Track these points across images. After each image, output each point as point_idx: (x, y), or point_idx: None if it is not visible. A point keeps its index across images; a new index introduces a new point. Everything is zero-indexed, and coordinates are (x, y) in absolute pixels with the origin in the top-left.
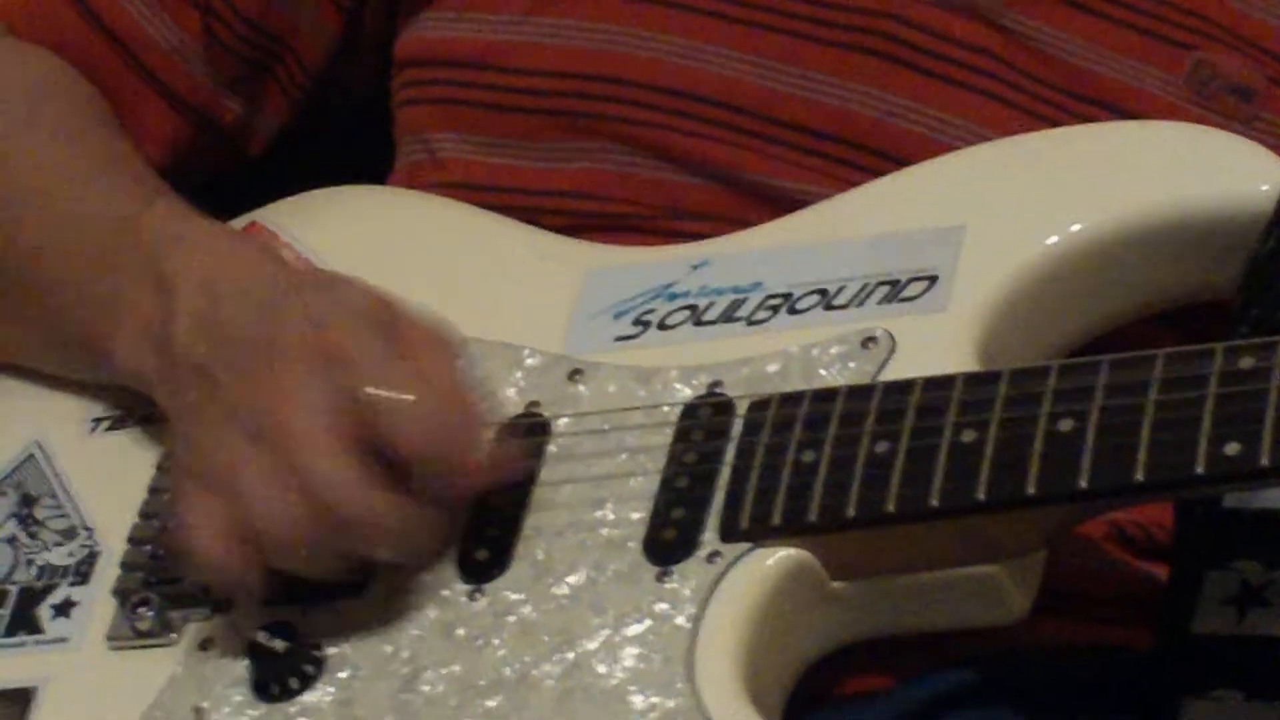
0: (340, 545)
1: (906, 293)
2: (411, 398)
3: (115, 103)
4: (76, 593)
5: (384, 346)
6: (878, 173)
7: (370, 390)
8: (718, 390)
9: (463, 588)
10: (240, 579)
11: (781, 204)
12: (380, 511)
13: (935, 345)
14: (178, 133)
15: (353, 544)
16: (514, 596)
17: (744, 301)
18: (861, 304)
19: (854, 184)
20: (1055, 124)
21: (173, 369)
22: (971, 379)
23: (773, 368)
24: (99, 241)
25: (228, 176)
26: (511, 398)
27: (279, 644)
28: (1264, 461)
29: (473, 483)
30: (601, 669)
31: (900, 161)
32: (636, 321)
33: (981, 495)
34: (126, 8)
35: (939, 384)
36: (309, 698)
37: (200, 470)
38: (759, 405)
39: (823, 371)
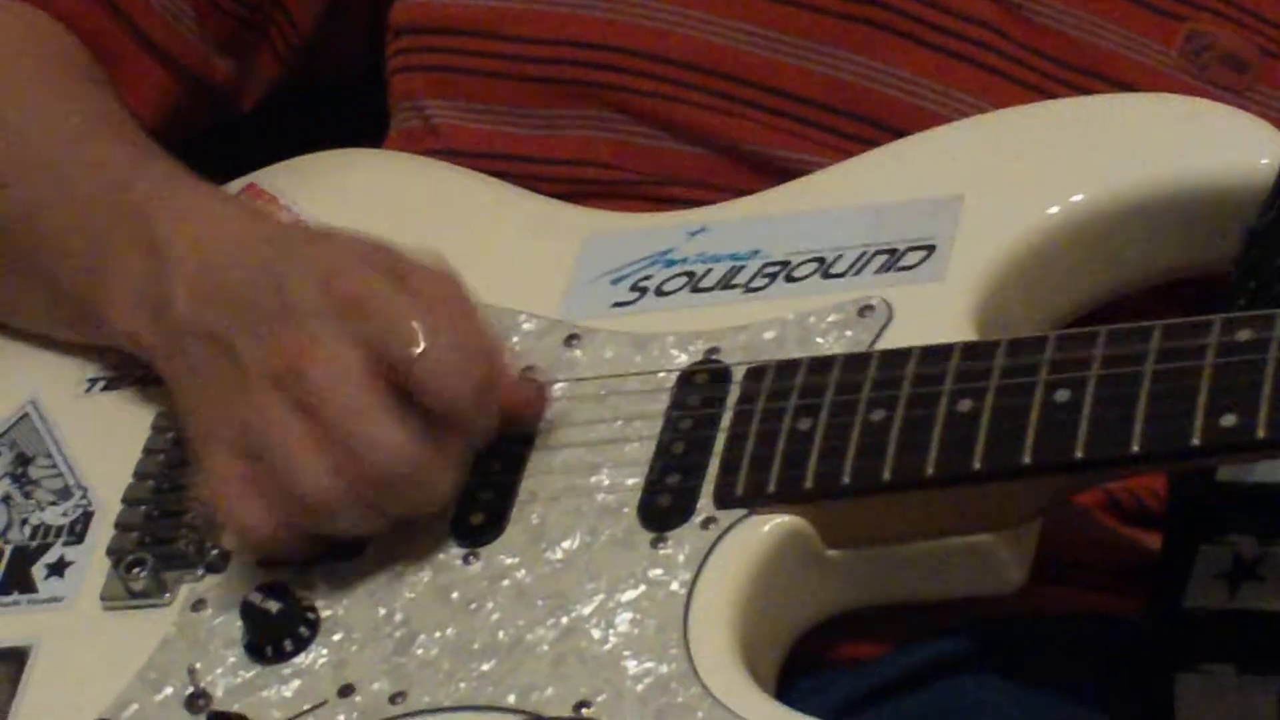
0: (381, 503)
1: (904, 262)
2: (437, 340)
3: (106, 62)
4: (71, 552)
5: (395, 288)
6: (875, 143)
7: (398, 341)
8: (714, 357)
9: (457, 551)
10: (274, 543)
11: (779, 173)
12: (422, 466)
13: (932, 314)
14: (168, 92)
15: (393, 500)
16: (509, 561)
17: (741, 269)
18: (859, 272)
19: (852, 154)
20: (1052, 95)
21: (176, 337)
22: (968, 348)
23: (769, 335)
24: (91, 204)
25: (227, 139)
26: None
27: (273, 605)
28: (1261, 433)
29: (500, 423)
30: (596, 634)
31: (898, 132)
32: (634, 287)
33: (977, 464)
34: None
35: (936, 353)
36: (303, 659)
37: (228, 436)
38: (755, 372)
39: (819, 339)
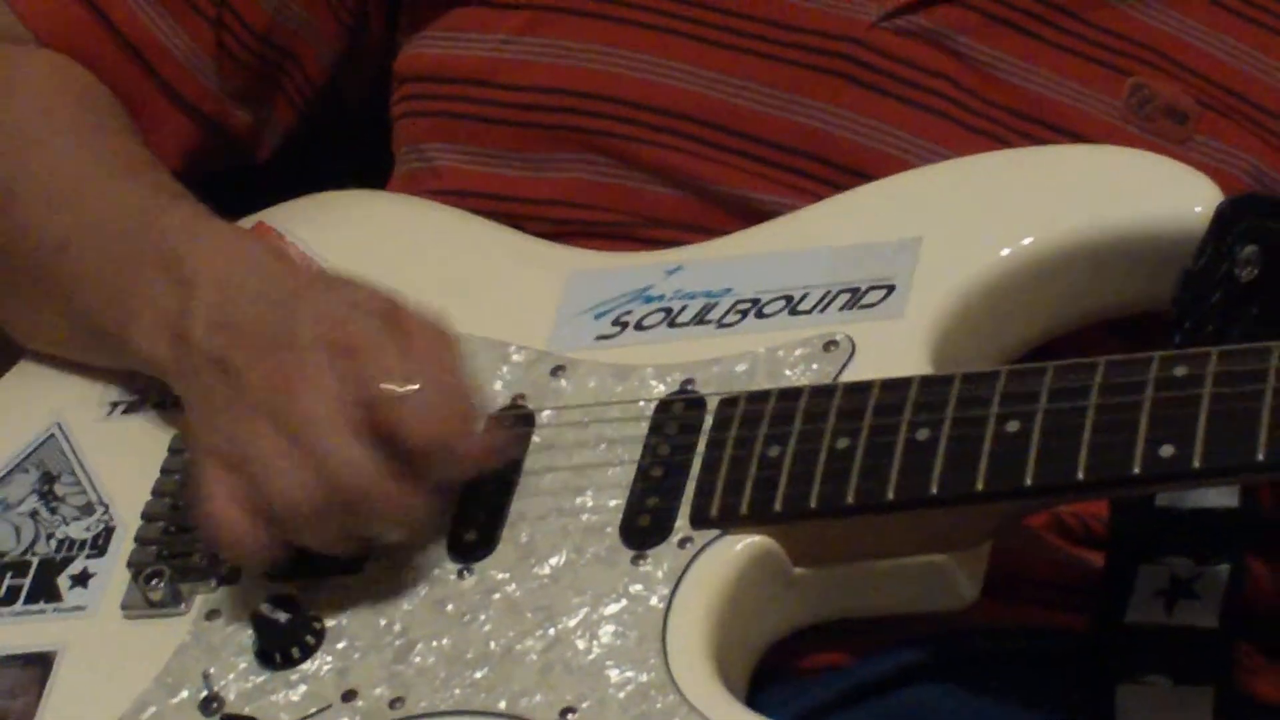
0: (346, 521)
1: (866, 300)
2: (416, 388)
3: (131, 109)
4: (93, 564)
5: (391, 340)
6: (841, 187)
7: (381, 384)
8: (690, 387)
9: (452, 567)
10: (252, 549)
11: (750, 215)
12: (385, 492)
13: (892, 349)
14: (189, 138)
15: (358, 520)
16: (500, 575)
17: (715, 305)
18: (824, 310)
19: (819, 197)
20: (1004, 143)
21: (189, 358)
22: (926, 381)
23: (741, 367)
24: (121, 240)
25: (238, 179)
26: (498, 391)
27: (282, 616)
28: (1196, 464)
29: (468, 468)
30: (581, 644)
31: (862, 176)
32: (615, 322)
33: (934, 490)
34: (144, 20)
35: (895, 385)
36: (309, 666)
37: (219, 448)
38: (728, 402)
39: (787, 372)
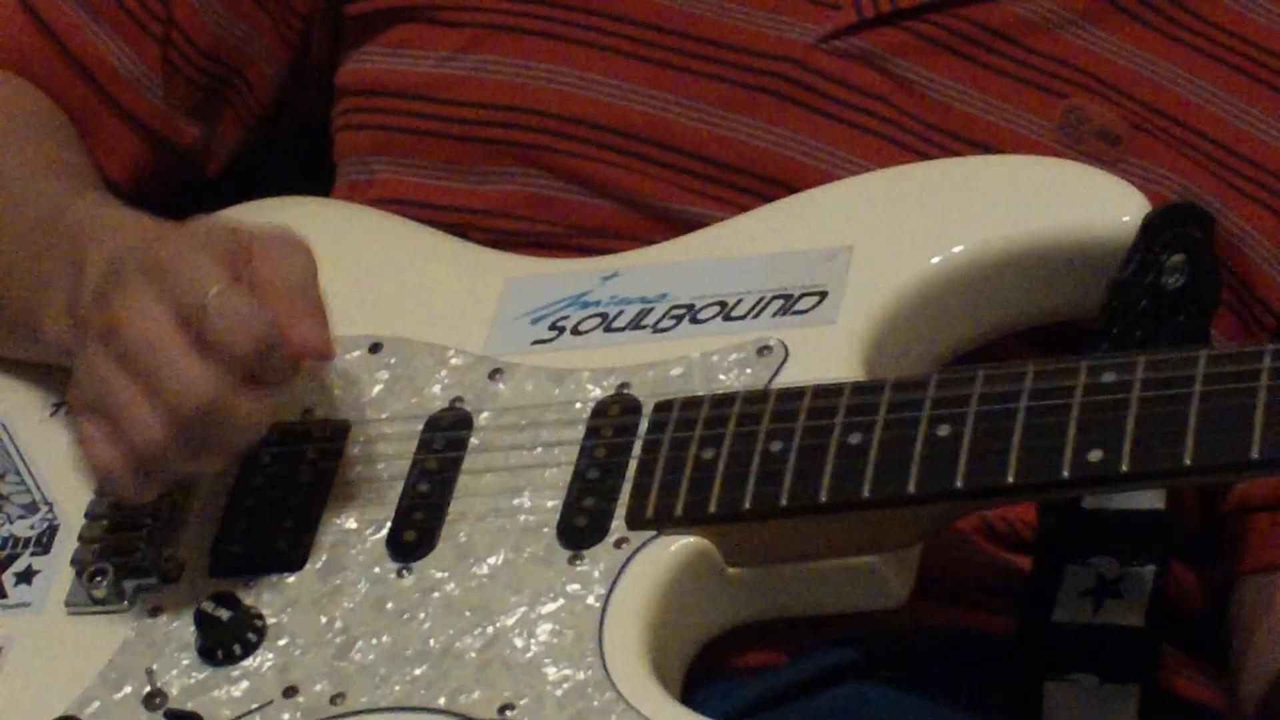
0: (202, 439)
1: (799, 306)
2: (217, 290)
3: (82, 127)
4: (38, 562)
5: (202, 252)
6: (771, 199)
7: (190, 296)
8: (626, 391)
9: (392, 565)
10: (130, 485)
11: (684, 227)
12: (230, 403)
13: (824, 354)
14: (140, 155)
15: (213, 436)
16: (439, 574)
17: (650, 310)
18: (757, 315)
19: (748, 209)
20: None
21: (82, 333)
22: (858, 387)
23: (676, 371)
24: (32, 234)
25: (183, 187)
26: (437, 394)
27: (224, 613)
28: (1124, 468)
29: (302, 361)
30: (519, 643)
31: (794, 191)
32: (552, 327)
33: (867, 493)
34: (92, 39)
35: (828, 391)
36: (250, 663)
37: (81, 400)
38: (663, 406)
39: (721, 376)
